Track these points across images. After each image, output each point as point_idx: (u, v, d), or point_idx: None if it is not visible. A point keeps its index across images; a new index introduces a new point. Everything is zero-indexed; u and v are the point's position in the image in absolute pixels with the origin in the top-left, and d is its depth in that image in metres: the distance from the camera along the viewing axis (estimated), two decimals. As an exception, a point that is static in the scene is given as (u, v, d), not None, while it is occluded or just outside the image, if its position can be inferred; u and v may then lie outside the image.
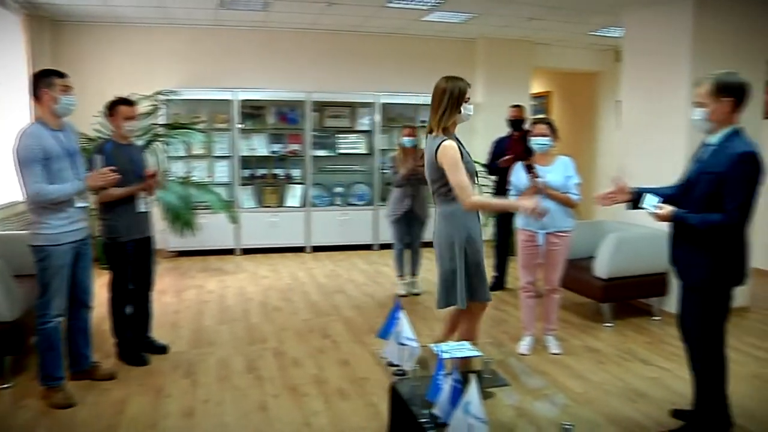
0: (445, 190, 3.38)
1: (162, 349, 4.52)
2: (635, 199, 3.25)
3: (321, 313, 5.60)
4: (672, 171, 5.38)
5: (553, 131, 4.42)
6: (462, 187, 3.27)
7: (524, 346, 4.60)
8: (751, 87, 3.01)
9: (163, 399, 3.77)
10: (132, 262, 4.26)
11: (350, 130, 8.68)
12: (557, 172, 4.38)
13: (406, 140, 5.96)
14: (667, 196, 3.19)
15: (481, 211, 3.40)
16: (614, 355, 4.57)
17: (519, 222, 4.57)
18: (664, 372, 4.26)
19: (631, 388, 4.00)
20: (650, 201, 3.12)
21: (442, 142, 3.33)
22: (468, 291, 3.45)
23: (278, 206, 8.36)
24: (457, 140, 3.41)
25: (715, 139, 3.03)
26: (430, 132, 3.44)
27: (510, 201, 3.32)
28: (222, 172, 8.27)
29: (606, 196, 3.32)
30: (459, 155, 3.29)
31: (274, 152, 8.39)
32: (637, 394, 3.89)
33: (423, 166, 5.83)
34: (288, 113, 8.50)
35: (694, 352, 3.21)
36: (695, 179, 3.07)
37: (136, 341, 4.39)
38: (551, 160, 4.44)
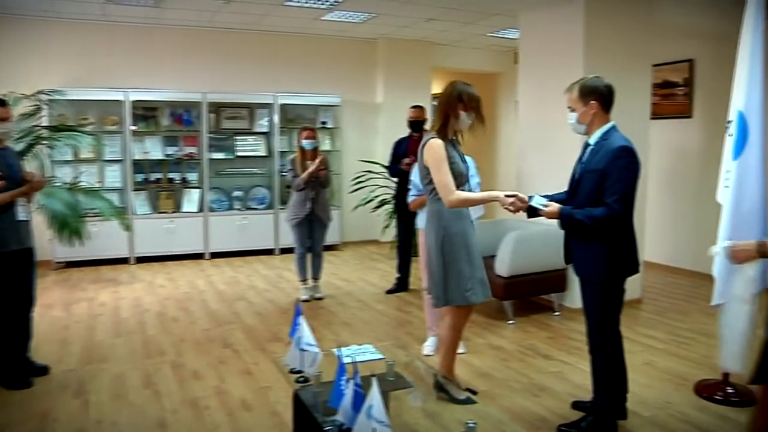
0: (430, 188, 3.43)
1: (42, 371, 4.22)
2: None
3: (221, 321, 5.45)
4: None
5: None
6: (443, 185, 3.31)
7: (428, 347, 4.65)
8: (613, 88, 3.23)
9: (50, 424, 3.53)
10: (10, 276, 3.97)
11: (248, 132, 8.53)
12: None
13: (306, 143, 5.89)
14: (560, 201, 3.33)
15: (465, 205, 3.40)
16: (517, 352, 4.71)
17: (420, 223, 4.62)
18: (565, 366, 4.43)
19: (534, 383, 4.12)
20: (538, 200, 3.25)
21: (429, 139, 3.38)
22: (444, 292, 3.46)
23: (174, 212, 8.09)
24: (452, 142, 3.45)
25: (593, 139, 3.23)
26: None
27: (490, 193, 3.34)
28: (113, 176, 7.90)
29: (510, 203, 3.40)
30: (444, 154, 3.32)
31: (168, 155, 8.11)
32: (539, 389, 4.02)
33: (324, 169, 5.88)
34: (183, 114, 8.23)
35: (592, 344, 3.35)
36: (579, 178, 3.25)
37: (16, 362, 4.09)
38: None
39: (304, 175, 5.80)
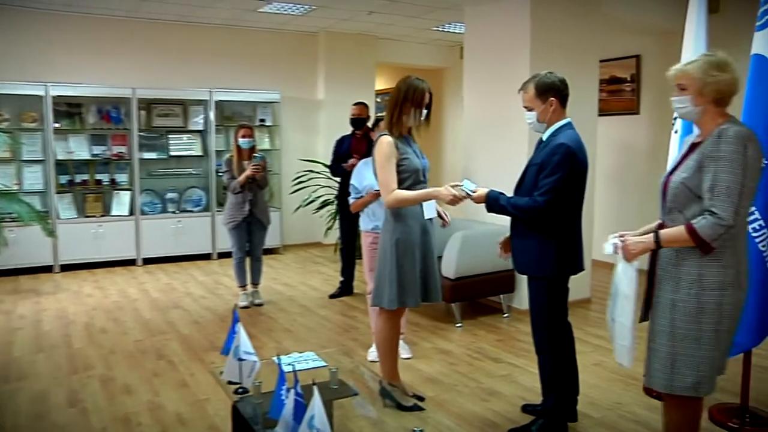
0: None
1: None
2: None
3: (155, 332, 5.33)
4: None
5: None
6: (383, 184, 3.35)
7: (374, 352, 4.64)
8: (566, 83, 3.33)
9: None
10: None
11: (182, 130, 8.37)
12: None
13: (243, 141, 5.82)
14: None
15: (402, 205, 3.39)
16: (465, 356, 4.75)
17: (364, 224, 4.62)
18: (514, 369, 4.49)
19: (482, 387, 4.17)
20: (468, 185, 3.32)
21: (380, 137, 3.39)
22: (390, 294, 3.45)
23: (103, 215, 7.87)
24: (405, 138, 3.46)
25: (546, 135, 3.33)
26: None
27: (429, 190, 3.35)
28: (33, 178, 7.63)
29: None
30: (390, 152, 3.33)
31: (96, 155, 7.88)
32: (488, 393, 4.07)
33: (262, 170, 5.81)
34: (111, 111, 8.01)
35: (536, 343, 3.44)
36: (524, 171, 3.37)
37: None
38: None
39: (241, 177, 5.73)
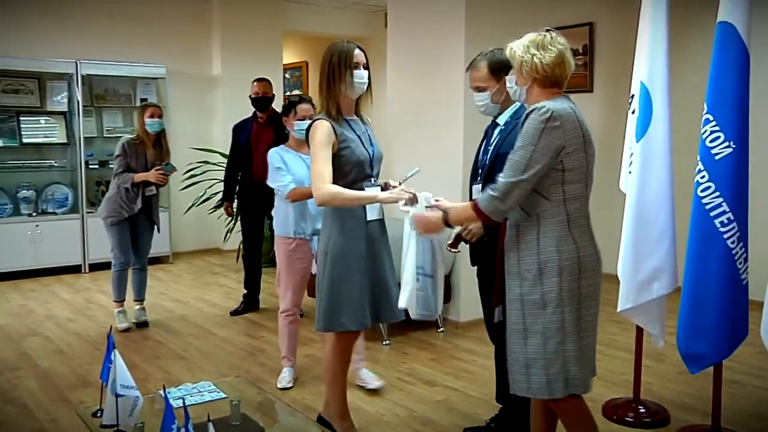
0: None
1: None
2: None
3: (2, 368, 5.11)
4: (450, 151, 5.85)
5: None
6: (315, 175, 3.31)
7: (284, 378, 4.64)
8: None
9: None
10: None
11: (39, 111, 8.13)
12: None
13: (151, 122, 5.67)
14: None
15: (335, 204, 3.38)
16: (394, 379, 4.77)
17: (282, 228, 4.57)
18: (452, 393, 4.54)
19: (414, 415, 4.19)
20: (426, 199, 3.25)
21: (314, 121, 3.40)
22: (325, 313, 3.44)
23: (-62, 220, 7.57)
24: (348, 122, 3.45)
25: (502, 119, 3.44)
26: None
27: (371, 194, 3.33)
28: None
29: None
30: (326, 139, 3.31)
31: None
32: (421, 422, 4.10)
33: (165, 179, 5.71)
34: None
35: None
36: (491, 165, 3.40)
37: None
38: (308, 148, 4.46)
39: (139, 176, 5.64)
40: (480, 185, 3.46)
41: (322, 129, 3.33)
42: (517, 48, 2.89)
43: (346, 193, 3.31)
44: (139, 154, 5.73)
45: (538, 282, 2.76)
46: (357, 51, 3.45)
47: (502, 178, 2.72)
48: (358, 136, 3.46)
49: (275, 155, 4.57)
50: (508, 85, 2.94)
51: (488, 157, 3.48)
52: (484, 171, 3.48)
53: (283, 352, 4.71)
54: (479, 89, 3.44)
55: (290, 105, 4.61)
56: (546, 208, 2.76)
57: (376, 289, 3.53)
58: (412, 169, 3.48)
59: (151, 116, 5.72)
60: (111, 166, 6.41)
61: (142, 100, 8.56)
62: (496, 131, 3.48)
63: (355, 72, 3.40)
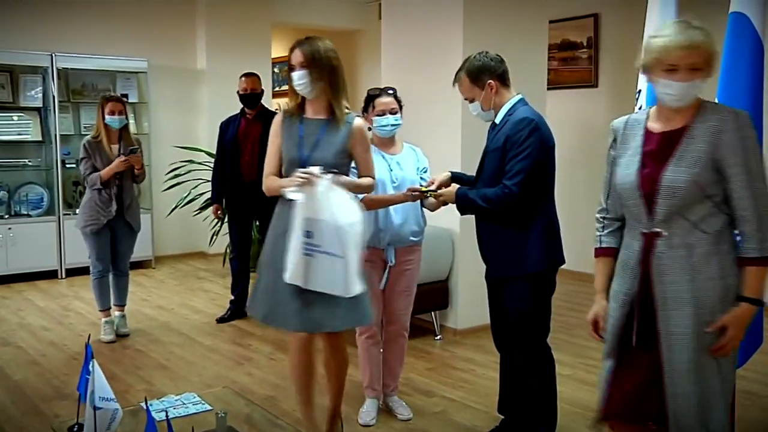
0: None
1: None
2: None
3: (-29, 381, 5.10)
4: (447, 148, 5.84)
5: (400, 105, 4.27)
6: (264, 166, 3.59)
7: (369, 413, 4.34)
8: (501, 58, 3.60)
9: None
10: None
11: (11, 107, 8.11)
12: (408, 162, 4.23)
13: (111, 119, 5.64)
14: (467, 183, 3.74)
15: (271, 194, 3.54)
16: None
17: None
18: (450, 404, 4.55)
19: (410, 427, 4.20)
20: (329, 182, 3.31)
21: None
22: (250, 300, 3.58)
23: None
24: (301, 118, 3.54)
25: (499, 118, 3.58)
26: None
27: (282, 180, 3.44)
28: None
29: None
30: (274, 130, 3.56)
31: None
32: (418, 437, 4.10)
33: (141, 167, 5.68)
34: None
35: (524, 365, 3.59)
36: (482, 159, 3.63)
37: None
38: (399, 147, 4.28)
39: (105, 171, 5.56)
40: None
41: (274, 122, 3.61)
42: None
43: (273, 181, 3.51)
44: (102, 152, 5.66)
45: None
46: (293, 52, 3.47)
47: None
48: (300, 137, 3.48)
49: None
50: None
51: (483, 154, 3.68)
52: (478, 167, 3.69)
53: (366, 381, 4.43)
54: (469, 100, 3.61)
55: (369, 99, 4.30)
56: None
57: (305, 292, 3.34)
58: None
59: (111, 112, 5.66)
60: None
61: (123, 95, 8.50)
62: (492, 129, 3.63)
63: (292, 74, 3.47)
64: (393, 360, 4.39)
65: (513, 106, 3.53)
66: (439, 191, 3.65)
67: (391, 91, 4.28)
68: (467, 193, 3.53)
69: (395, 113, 4.13)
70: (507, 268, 3.56)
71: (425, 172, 4.23)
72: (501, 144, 3.44)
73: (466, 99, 3.63)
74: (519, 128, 3.39)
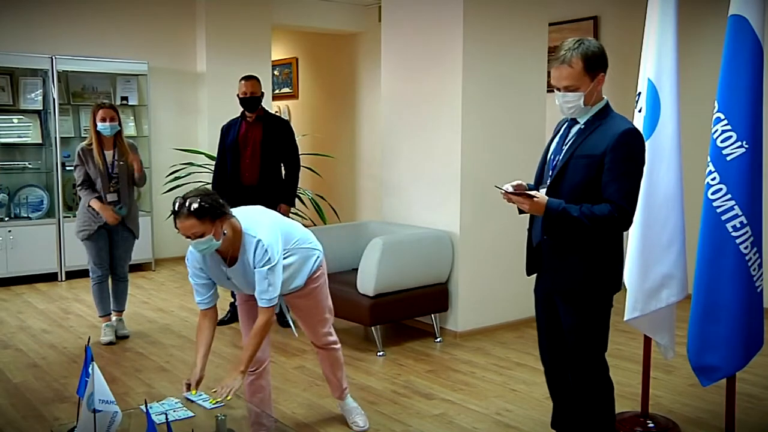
0: None
1: None
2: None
3: (-30, 384, 5.09)
4: (447, 151, 5.84)
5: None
6: None
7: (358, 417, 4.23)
8: None
9: None
10: None
11: (11, 110, 8.11)
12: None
13: (103, 126, 5.64)
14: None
15: None
16: (389, 392, 4.77)
17: None
18: (450, 406, 4.53)
19: (410, 430, 4.18)
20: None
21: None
22: None
23: None
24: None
25: (583, 118, 3.23)
26: None
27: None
28: None
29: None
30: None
31: None
32: (418, 439, 4.10)
33: (141, 172, 5.69)
34: None
35: (583, 383, 3.35)
36: (564, 165, 3.21)
37: None
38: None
39: (97, 207, 5.60)
40: (546, 188, 3.25)
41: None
42: None
43: None
44: (95, 160, 5.67)
45: None
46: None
47: None
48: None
49: None
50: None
51: (560, 157, 3.25)
52: (555, 172, 3.25)
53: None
54: (570, 89, 3.13)
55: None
56: None
57: None
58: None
59: (102, 119, 5.64)
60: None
61: (123, 98, 8.55)
62: (575, 130, 3.25)
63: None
64: (327, 372, 4.21)
65: (603, 109, 3.20)
66: (518, 196, 3.14)
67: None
68: (566, 208, 3.08)
69: None
70: (576, 283, 3.24)
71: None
72: (599, 152, 3.08)
73: (562, 87, 3.14)
74: (630, 140, 3.08)
